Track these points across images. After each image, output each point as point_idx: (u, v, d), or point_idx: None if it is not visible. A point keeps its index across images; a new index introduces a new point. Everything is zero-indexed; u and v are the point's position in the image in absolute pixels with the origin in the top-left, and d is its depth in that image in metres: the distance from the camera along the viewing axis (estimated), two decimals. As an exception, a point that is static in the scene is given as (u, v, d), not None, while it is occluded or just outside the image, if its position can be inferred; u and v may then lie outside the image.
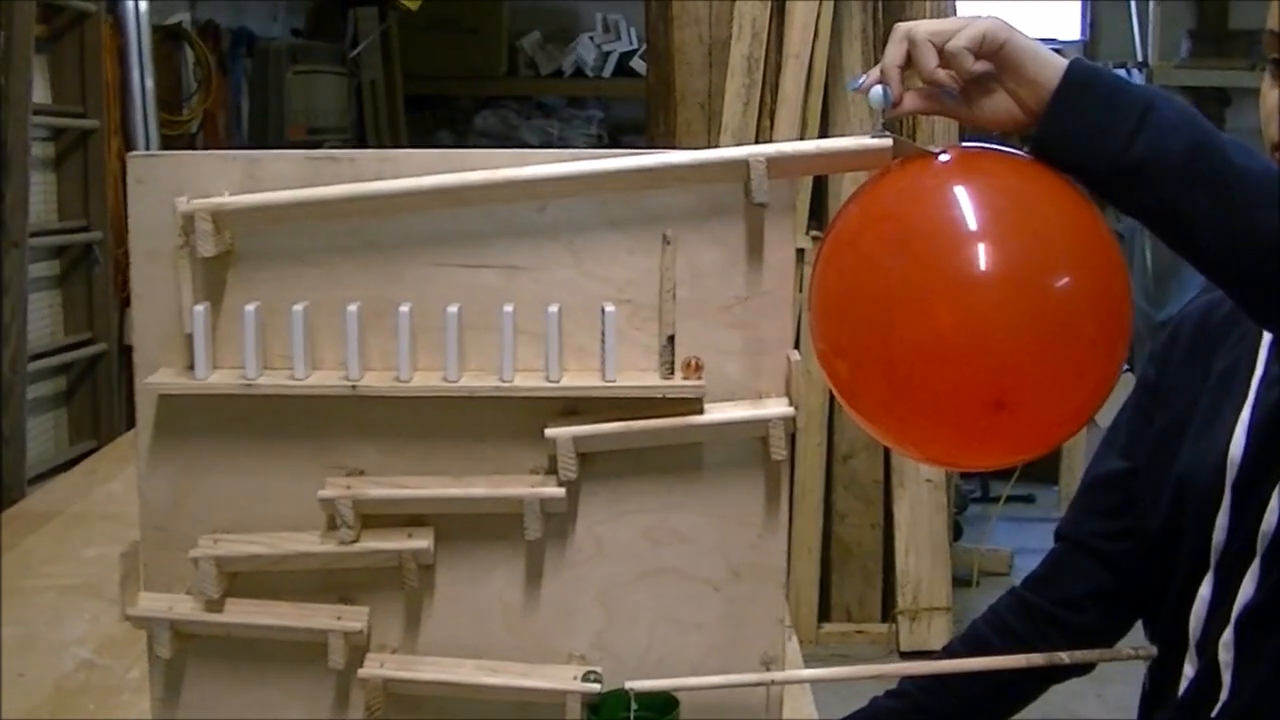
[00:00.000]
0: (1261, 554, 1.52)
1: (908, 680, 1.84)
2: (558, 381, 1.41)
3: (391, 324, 1.42)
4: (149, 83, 5.32)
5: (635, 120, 8.15)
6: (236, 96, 6.38)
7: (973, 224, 1.33)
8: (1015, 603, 1.82)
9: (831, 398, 4.78)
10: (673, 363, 1.40)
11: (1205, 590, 1.59)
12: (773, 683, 1.48)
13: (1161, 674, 1.68)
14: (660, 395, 1.40)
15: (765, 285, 1.43)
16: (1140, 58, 7.49)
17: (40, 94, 4.74)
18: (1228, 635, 1.53)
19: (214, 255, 1.41)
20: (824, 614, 5.12)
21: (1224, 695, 1.54)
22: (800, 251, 4.05)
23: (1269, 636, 1.51)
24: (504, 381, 1.41)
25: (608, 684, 1.47)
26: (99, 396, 5.07)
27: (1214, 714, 1.55)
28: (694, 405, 1.41)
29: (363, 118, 8.22)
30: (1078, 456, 5.76)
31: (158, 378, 1.44)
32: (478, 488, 1.44)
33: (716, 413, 1.42)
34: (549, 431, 1.41)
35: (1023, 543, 5.90)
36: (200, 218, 1.39)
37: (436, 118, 9.06)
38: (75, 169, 5.01)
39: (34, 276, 4.63)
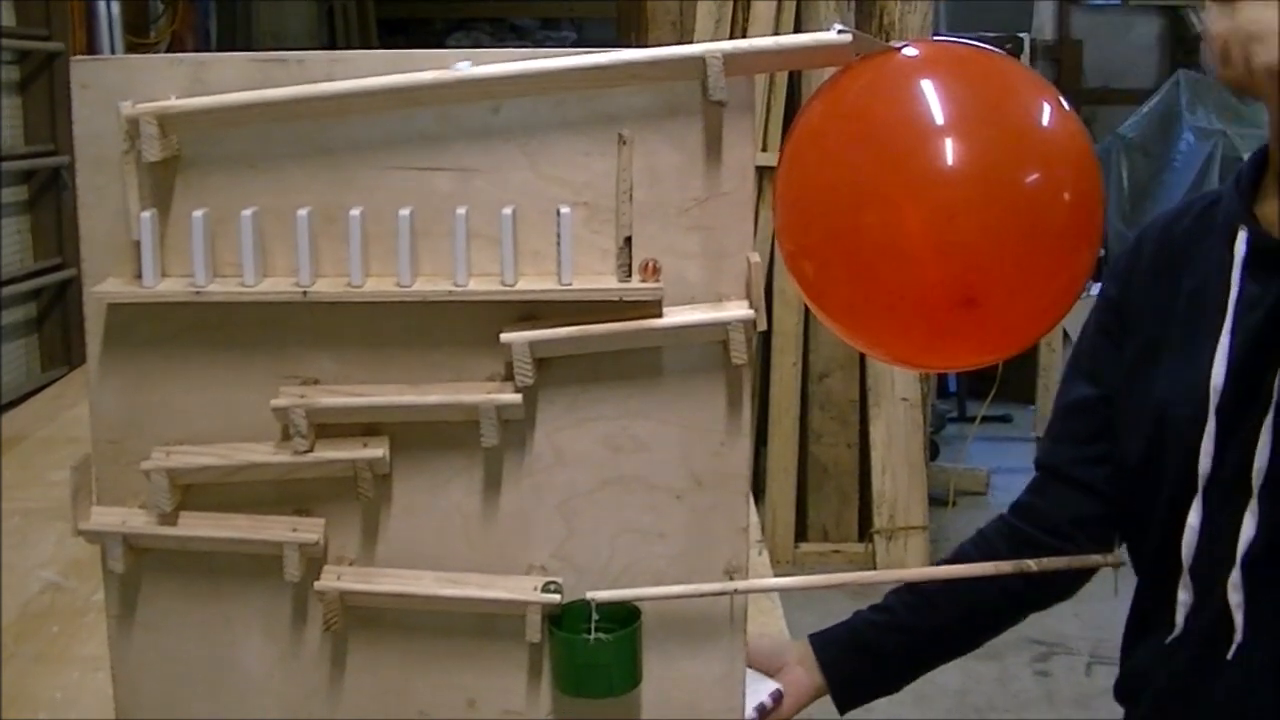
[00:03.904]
0: (1258, 492, 1.50)
1: (893, 595, 1.82)
2: (513, 285, 1.37)
3: (343, 229, 1.38)
4: (114, 5, 5.27)
5: (608, 42, 8.10)
6: (204, 19, 6.31)
7: (938, 119, 1.30)
8: (1003, 528, 1.81)
9: (806, 317, 4.76)
10: (630, 265, 1.37)
11: (1194, 519, 1.57)
12: (736, 592, 1.46)
13: (1152, 601, 1.67)
14: (617, 298, 1.37)
15: (724, 186, 1.40)
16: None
17: (4, 17, 4.68)
18: (1235, 576, 1.52)
19: (160, 160, 1.37)
20: (801, 534, 5.12)
21: (1238, 637, 1.53)
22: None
23: (1277, 574, 1.50)
24: (458, 286, 1.37)
25: (569, 595, 1.45)
26: (70, 322, 5.04)
27: (1230, 656, 1.54)
28: (652, 309, 1.38)
29: (334, 41, 8.15)
30: (1054, 376, 5.76)
31: (105, 286, 1.40)
32: (433, 395, 1.41)
33: (675, 316, 1.39)
34: (505, 336, 1.38)
35: (1000, 462, 5.92)
36: (145, 121, 1.36)
37: (410, 41, 9.00)
38: (41, 93, 4.96)
39: (2, 202, 4.58)
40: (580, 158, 1.39)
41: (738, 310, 1.39)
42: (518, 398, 1.40)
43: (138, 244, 1.39)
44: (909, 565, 4.77)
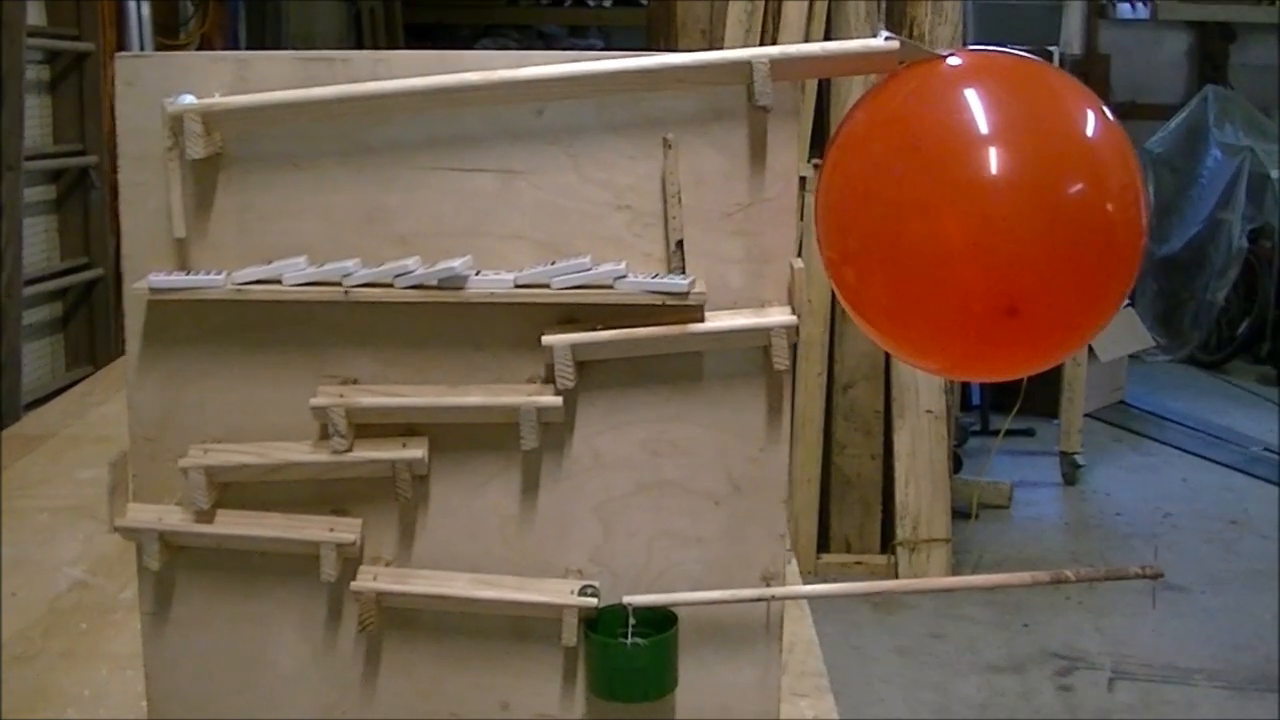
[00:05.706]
0: None
1: None
2: (555, 288, 1.37)
3: (384, 228, 1.39)
4: (145, 6, 5.27)
5: (637, 49, 8.12)
6: (234, 21, 6.32)
7: (983, 128, 1.29)
8: None
9: (832, 327, 4.75)
10: (683, 268, 1.37)
11: None
12: (773, 598, 1.46)
13: None
14: (660, 302, 1.36)
15: (768, 192, 1.39)
16: (1147, -10, 7.44)
17: (35, 16, 4.68)
18: None
19: (203, 157, 1.37)
20: (823, 545, 5.10)
21: None
22: (801, 180, 4.01)
23: None
24: (500, 288, 1.37)
25: (605, 599, 1.45)
26: (96, 321, 5.04)
27: None
28: (694, 313, 1.37)
29: (361, 45, 8.17)
30: (1079, 390, 5.74)
31: (146, 283, 1.40)
32: (473, 397, 1.40)
33: (717, 321, 1.38)
34: (546, 339, 1.37)
35: (1022, 476, 5.89)
36: (190, 119, 1.36)
37: (437, 47, 9.01)
38: (71, 92, 4.96)
39: (30, 201, 4.59)
40: (624, 161, 1.39)
41: (780, 315, 1.39)
42: (558, 400, 1.39)
43: (180, 241, 1.40)
44: (931, 577, 4.74)
